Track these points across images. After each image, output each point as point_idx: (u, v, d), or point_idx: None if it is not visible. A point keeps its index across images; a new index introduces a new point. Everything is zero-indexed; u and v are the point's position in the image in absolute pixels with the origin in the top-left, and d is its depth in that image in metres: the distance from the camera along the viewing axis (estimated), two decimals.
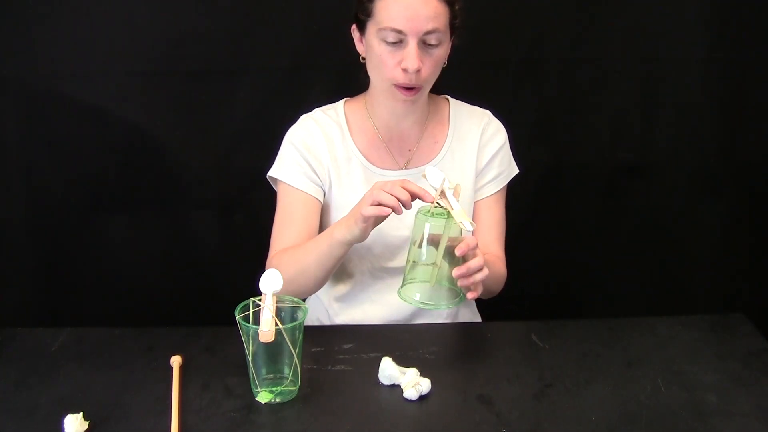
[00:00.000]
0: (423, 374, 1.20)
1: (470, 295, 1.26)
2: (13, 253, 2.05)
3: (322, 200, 1.49)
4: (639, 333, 1.37)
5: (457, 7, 1.38)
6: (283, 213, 1.48)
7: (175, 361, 1.25)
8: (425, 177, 1.27)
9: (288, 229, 1.46)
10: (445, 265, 1.24)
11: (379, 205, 1.22)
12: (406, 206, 1.23)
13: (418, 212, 1.25)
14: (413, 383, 1.17)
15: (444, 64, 1.41)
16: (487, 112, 1.55)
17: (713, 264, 2.13)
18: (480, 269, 1.23)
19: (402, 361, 1.23)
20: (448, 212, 1.22)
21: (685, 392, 1.19)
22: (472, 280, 1.23)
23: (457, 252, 1.20)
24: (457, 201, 1.24)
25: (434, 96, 1.53)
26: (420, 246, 1.24)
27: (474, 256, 1.23)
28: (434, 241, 1.23)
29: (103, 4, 1.86)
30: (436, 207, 1.24)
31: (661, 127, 2.03)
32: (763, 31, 1.94)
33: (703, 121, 2.02)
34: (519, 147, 1.57)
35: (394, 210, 1.22)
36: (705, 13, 1.91)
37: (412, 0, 1.31)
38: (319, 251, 1.35)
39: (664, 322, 1.41)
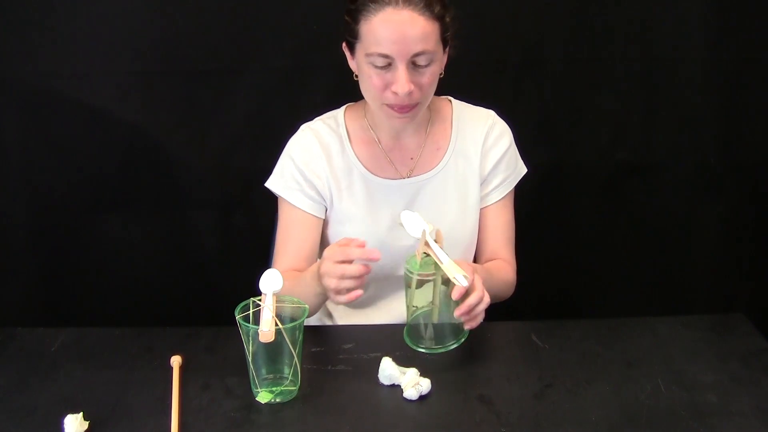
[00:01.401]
0: (423, 374, 1.20)
1: (467, 326, 1.25)
2: (13, 253, 2.05)
3: (323, 215, 1.48)
4: (639, 333, 1.37)
5: (447, 20, 1.33)
6: (283, 231, 1.48)
7: (175, 361, 1.25)
8: (402, 224, 1.26)
9: (287, 247, 1.46)
10: (444, 301, 1.24)
11: (348, 288, 1.21)
12: (373, 258, 1.20)
13: (405, 264, 1.24)
14: (413, 383, 1.17)
15: (441, 74, 1.38)
16: (491, 112, 1.52)
17: (713, 264, 2.13)
18: (480, 301, 1.22)
19: (402, 361, 1.23)
20: (435, 263, 1.22)
21: (685, 392, 1.19)
22: (474, 314, 1.23)
23: (454, 296, 1.20)
24: (441, 248, 1.22)
25: (435, 98, 1.50)
26: (416, 289, 1.24)
27: (473, 289, 1.22)
28: (428, 282, 1.23)
29: (102, 4, 1.86)
30: (424, 257, 1.23)
31: (661, 127, 2.03)
32: (763, 31, 1.94)
33: (703, 121, 2.02)
34: (519, 147, 1.57)
35: (363, 275, 1.20)
36: (705, 12, 1.91)
37: (398, 22, 1.26)
38: (307, 294, 1.30)
39: (664, 322, 1.40)
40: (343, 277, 1.21)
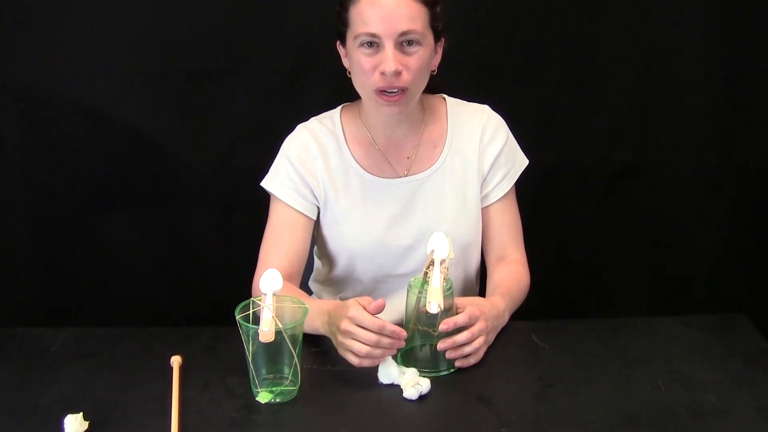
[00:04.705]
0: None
1: (458, 363, 1.24)
2: (13, 253, 2.05)
3: (314, 217, 1.47)
4: (639, 333, 1.37)
5: (437, 9, 1.35)
6: (273, 230, 1.46)
7: (175, 361, 1.25)
8: (429, 241, 1.24)
9: (276, 247, 1.44)
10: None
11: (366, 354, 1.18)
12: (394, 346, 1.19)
13: (409, 284, 1.24)
14: (413, 383, 1.17)
15: (433, 71, 1.39)
16: (486, 107, 1.52)
17: (713, 264, 2.13)
18: (468, 343, 1.22)
19: None
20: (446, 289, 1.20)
21: (685, 392, 1.19)
22: (460, 353, 1.23)
23: (441, 327, 1.20)
24: (445, 274, 1.20)
25: (429, 96, 1.50)
26: (416, 312, 1.23)
27: (470, 329, 1.23)
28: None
29: (102, 4, 1.86)
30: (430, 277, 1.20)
31: (661, 127, 2.03)
32: (763, 31, 1.94)
33: (703, 121, 2.02)
34: (519, 147, 1.57)
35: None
36: (705, 12, 1.91)
37: (385, 2, 1.29)
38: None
39: (664, 322, 1.41)
40: (377, 346, 1.18)
